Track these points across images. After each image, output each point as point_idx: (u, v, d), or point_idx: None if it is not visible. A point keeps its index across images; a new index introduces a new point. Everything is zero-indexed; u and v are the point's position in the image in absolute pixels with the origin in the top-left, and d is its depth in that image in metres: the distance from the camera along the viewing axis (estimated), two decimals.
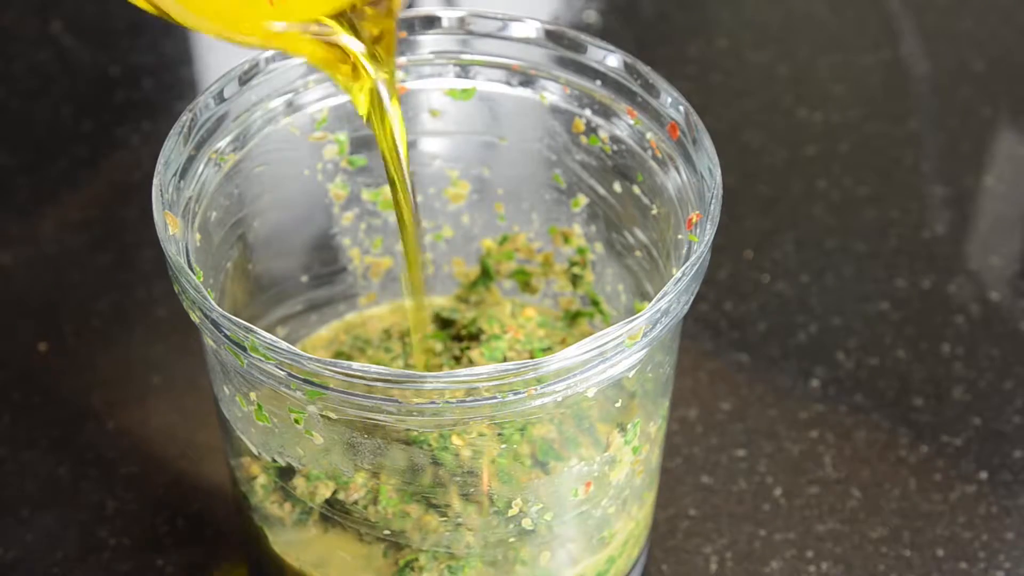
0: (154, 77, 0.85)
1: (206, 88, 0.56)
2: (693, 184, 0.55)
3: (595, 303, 0.64)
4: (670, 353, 0.57)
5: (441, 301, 0.66)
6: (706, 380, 0.72)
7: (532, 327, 0.63)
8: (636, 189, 0.59)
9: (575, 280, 0.64)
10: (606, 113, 0.59)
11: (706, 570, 0.66)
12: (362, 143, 0.62)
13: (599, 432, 0.55)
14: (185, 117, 0.55)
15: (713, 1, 0.92)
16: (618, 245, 0.62)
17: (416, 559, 0.56)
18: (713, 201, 0.53)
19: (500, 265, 0.65)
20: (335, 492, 0.55)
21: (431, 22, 0.59)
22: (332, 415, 0.51)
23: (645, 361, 0.53)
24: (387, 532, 0.55)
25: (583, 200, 0.62)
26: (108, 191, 0.80)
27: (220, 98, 0.56)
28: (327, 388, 0.49)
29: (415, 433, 0.53)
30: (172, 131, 0.55)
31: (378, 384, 0.48)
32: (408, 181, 0.55)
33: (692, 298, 0.52)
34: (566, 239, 0.64)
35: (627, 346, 0.50)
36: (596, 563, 0.59)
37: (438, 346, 0.62)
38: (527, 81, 0.60)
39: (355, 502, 0.55)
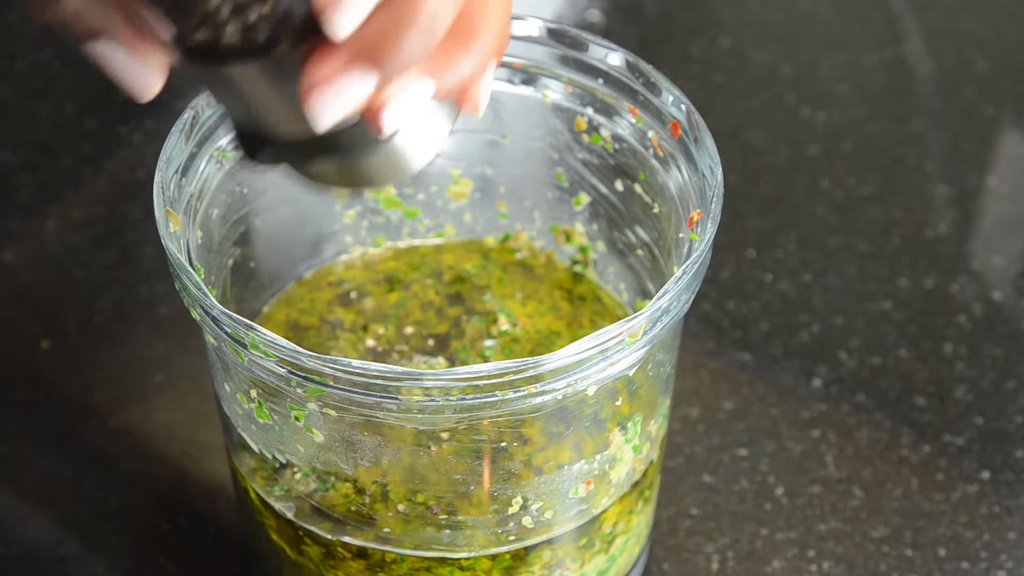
0: None
1: None
2: (694, 183, 0.55)
3: (598, 300, 0.64)
4: (671, 352, 0.57)
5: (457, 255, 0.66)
6: (708, 379, 0.72)
7: (538, 315, 0.63)
8: (638, 188, 0.59)
9: (577, 278, 0.64)
10: (608, 111, 0.59)
11: (707, 569, 0.66)
12: None
13: (599, 430, 0.55)
14: (187, 115, 0.55)
15: (716, 0, 0.92)
16: (620, 243, 0.62)
17: (414, 557, 0.56)
18: (714, 200, 0.53)
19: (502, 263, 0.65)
20: (314, 490, 0.56)
21: None
22: (332, 412, 0.51)
23: (646, 359, 0.53)
24: (386, 530, 0.55)
25: (585, 198, 0.62)
26: (111, 189, 0.80)
27: None
28: (327, 385, 0.49)
29: (415, 430, 0.53)
30: (174, 129, 0.55)
31: (378, 382, 0.48)
32: None
33: (693, 296, 0.52)
34: (568, 238, 0.64)
35: (627, 344, 0.50)
36: (597, 562, 0.59)
37: (436, 297, 0.63)
38: (529, 79, 0.60)
39: (345, 500, 0.55)
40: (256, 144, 0.43)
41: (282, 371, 0.49)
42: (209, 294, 0.50)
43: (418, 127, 0.43)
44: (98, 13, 0.40)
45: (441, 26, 0.40)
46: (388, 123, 0.41)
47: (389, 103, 0.41)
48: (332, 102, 0.39)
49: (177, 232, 0.53)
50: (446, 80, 0.41)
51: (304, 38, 0.39)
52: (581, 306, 0.63)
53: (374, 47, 0.39)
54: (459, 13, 0.41)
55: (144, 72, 0.41)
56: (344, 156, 0.43)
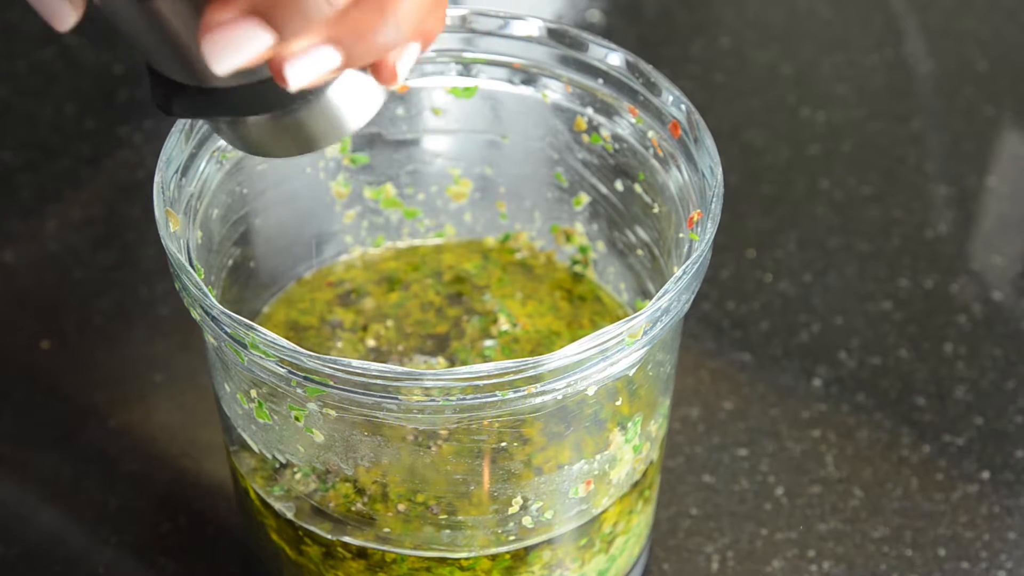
0: None
1: None
2: (694, 183, 0.55)
3: (598, 300, 0.64)
4: (671, 352, 0.57)
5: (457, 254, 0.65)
6: (708, 379, 0.72)
7: (538, 315, 0.63)
8: (638, 187, 0.59)
9: (577, 278, 0.64)
10: (608, 111, 0.59)
11: (707, 569, 0.66)
12: (364, 141, 0.62)
13: (599, 430, 0.55)
14: None
15: (716, 0, 0.92)
16: (620, 244, 0.62)
17: (414, 557, 0.56)
18: (714, 200, 0.53)
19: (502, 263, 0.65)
20: (314, 490, 0.56)
21: None
22: (332, 412, 0.51)
23: (646, 359, 0.53)
24: (386, 530, 0.55)
25: (585, 199, 0.62)
26: (111, 189, 0.80)
27: None
28: (327, 385, 0.49)
29: (415, 430, 0.53)
30: (174, 129, 0.55)
31: (378, 382, 0.48)
32: None
33: (693, 297, 0.52)
34: (568, 238, 0.64)
35: (627, 344, 0.50)
36: (597, 562, 0.59)
37: (436, 298, 0.63)
38: (529, 79, 0.60)
39: (345, 500, 0.55)
40: (170, 91, 0.43)
41: (282, 371, 0.49)
42: (209, 294, 0.50)
43: (341, 91, 0.43)
44: None
45: None
46: (291, 79, 0.41)
47: (291, 60, 0.40)
48: (227, 49, 0.39)
49: (177, 232, 0.53)
50: (355, 50, 0.41)
51: None
52: (581, 306, 0.63)
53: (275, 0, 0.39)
54: None
55: (60, 3, 0.41)
56: (257, 112, 0.43)
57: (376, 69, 0.43)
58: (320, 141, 0.45)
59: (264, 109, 0.43)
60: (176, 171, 0.54)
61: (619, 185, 0.60)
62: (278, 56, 0.40)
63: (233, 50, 0.39)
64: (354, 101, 0.44)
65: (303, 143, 0.45)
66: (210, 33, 0.39)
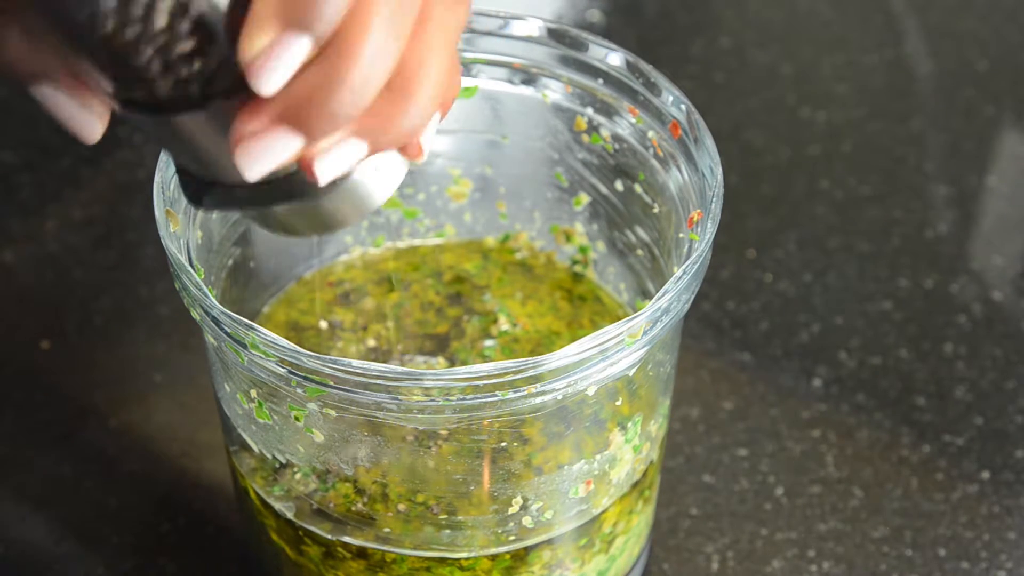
0: None
1: None
2: (694, 183, 0.55)
3: (598, 300, 0.64)
4: (671, 352, 0.57)
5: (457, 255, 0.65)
6: (708, 379, 0.72)
7: (538, 315, 0.63)
8: (638, 188, 0.59)
9: (577, 278, 0.64)
10: (608, 111, 0.59)
11: (707, 569, 0.66)
12: None
13: (599, 430, 0.55)
14: None
15: (716, 0, 0.92)
16: (620, 244, 0.62)
17: (414, 557, 0.56)
18: (714, 200, 0.53)
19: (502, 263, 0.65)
20: (314, 490, 0.56)
21: None
22: (332, 412, 0.51)
23: (646, 359, 0.53)
24: (386, 530, 0.55)
25: (585, 199, 0.62)
26: (111, 189, 0.80)
27: None
28: (327, 385, 0.49)
29: (415, 430, 0.53)
30: None
31: (378, 382, 0.48)
32: None
33: (693, 297, 0.52)
34: (568, 238, 0.64)
35: (627, 344, 0.50)
36: (597, 562, 0.59)
37: (436, 298, 0.63)
38: (529, 79, 0.60)
39: (345, 500, 0.55)
40: (200, 188, 0.43)
41: (282, 371, 0.49)
42: (209, 294, 0.50)
43: (366, 172, 0.43)
44: (39, 62, 0.40)
45: (371, 88, 0.39)
46: (321, 175, 0.41)
47: (321, 157, 0.41)
48: (259, 156, 0.40)
49: (177, 232, 0.53)
50: (382, 139, 0.41)
51: (237, 91, 0.39)
52: (581, 306, 0.63)
53: (301, 106, 0.39)
54: (396, 69, 0.40)
55: (86, 117, 0.41)
56: (287, 202, 0.43)
57: (403, 149, 0.43)
58: (345, 221, 0.45)
59: (291, 199, 0.43)
60: (176, 171, 0.54)
61: (619, 185, 0.60)
62: (307, 155, 0.40)
63: (265, 157, 0.40)
64: (377, 180, 0.44)
65: (329, 224, 0.45)
66: (243, 143, 0.39)
